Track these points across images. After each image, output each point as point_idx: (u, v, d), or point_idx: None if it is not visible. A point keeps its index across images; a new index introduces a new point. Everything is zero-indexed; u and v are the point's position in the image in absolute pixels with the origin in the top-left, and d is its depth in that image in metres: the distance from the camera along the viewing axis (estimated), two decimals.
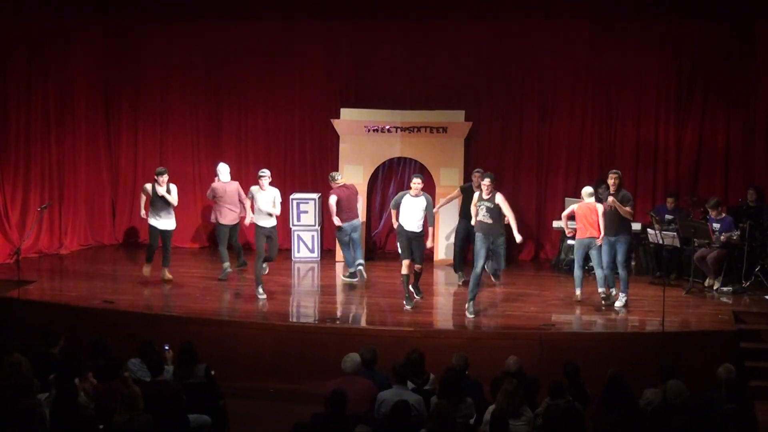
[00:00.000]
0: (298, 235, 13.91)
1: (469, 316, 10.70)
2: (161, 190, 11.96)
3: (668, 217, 12.64)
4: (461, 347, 9.09)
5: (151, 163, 14.89)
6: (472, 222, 11.06)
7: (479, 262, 10.69)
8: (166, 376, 7.77)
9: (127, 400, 6.77)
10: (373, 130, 13.87)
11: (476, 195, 10.89)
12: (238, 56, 14.57)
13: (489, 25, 13.98)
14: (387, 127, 13.84)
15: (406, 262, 10.87)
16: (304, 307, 11.51)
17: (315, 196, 13.97)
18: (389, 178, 14.43)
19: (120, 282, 12.46)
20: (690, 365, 9.06)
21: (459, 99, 13.99)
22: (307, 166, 14.62)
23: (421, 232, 10.92)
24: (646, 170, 13.78)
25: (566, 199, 13.56)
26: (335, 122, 14.00)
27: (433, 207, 11.17)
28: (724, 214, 12.06)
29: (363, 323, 10.96)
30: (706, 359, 9.28)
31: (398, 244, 11.09)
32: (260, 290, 11.35)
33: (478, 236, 10.74)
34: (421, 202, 10.89)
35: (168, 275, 12.14)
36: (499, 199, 10.70)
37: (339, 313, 11.02)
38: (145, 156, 15.02)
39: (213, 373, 8.23)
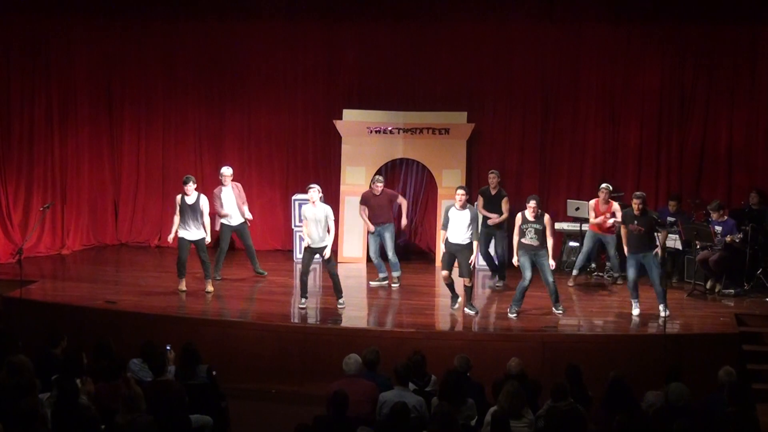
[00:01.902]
0: (300, 237, 13.85)
1: (511, 315, 10.88)
2: (190, 200, 11.62)
3: (670, 219, 12.63)
4: (463, 349, 9.10)
5: (154, 164, 14.95)
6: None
7: (526, 274, 10.80)
8: (168, 376, 7.77)
9: (128, 401, 6.76)
10: (376, 132, 13.86)
11: (520, 217, 10.87)
12: (241, 57, 14.57)
13: (492, 27, 13.95)
14: (389, 128, 13.83)
15: (444, 273, 10.91)
16: (306, 308, 11.49)
17: None
18: (392, 180, 14.39)
19: (122, 282, 12.47)
20: (692, 368, 9.01)
21: (462, 100, 13.98)
22: (309, 167, 14.60)
23: (466, 243, 10.77)
24: (649, 172, 13.74)
25: (568, 201, 13.56)
26: (338, 123, 14.00)
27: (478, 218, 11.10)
28: (726, 217, 12.05)
29: (365, 324, 10.94)
30: (707, 362, 9.27)
31: (442, 256, 11.15)
32: (302, 301, 11.19)
33: (522, 252, 10.84)
34: (467, 214, 10.73)
35: (210, 287, 11.77)
36: (547, 220, 10.81)
37: (341, 314, 11.00)
38: (147, 157, 15.01)
39: (215, 373, 8.22)
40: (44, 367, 7.82)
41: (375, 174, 12.83)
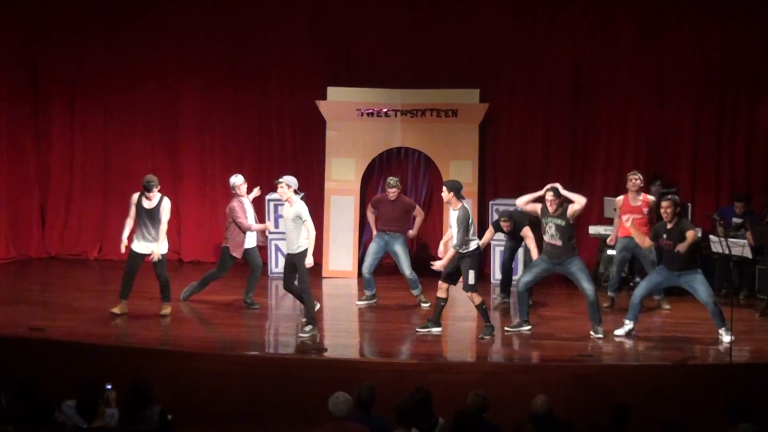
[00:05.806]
0: (276, 246, 13.83)
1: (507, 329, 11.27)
2: (148, 204, 11.37)
3: (736, 221, 12.58)
4: (478, 384, 9.01)
5: (92, 158, 15.00)
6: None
7: (524, 277, 11.10)
8: (108, 422, 7.70)
9: None
10: (368, 114, 13.89)
11: (539, 208, 10.93)
12: (200, 23, 14.58)
13: None
14: (384, 110, 13.86)
15: (441, 285, 11.02)
16: (284, 334, 11.50)
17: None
18: (387, 174, 14.33)
19: (51, 305, 12.42)
20: (765, 404, 8.97)
21: (473, 76, 14.01)
22: (287, 159, 14.61)
23: (466, 252, 10.80)
24: (708, 164, 13.82)
25: (605, 198, 13.51)
26: (321, 104, 14.00)
27: (470, 220, 11.03)
28: None
29: (356, 354, 10.94)
30: None
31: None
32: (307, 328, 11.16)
33: (543, 257, 11.05)
34: (453, 215, 10.81)
35: (166, 310, 11.71)
36: (572, 210, 10.77)
37: (326, 342, 10.96)
38: (84, 151, 15.05)
39: (170, 417, 8.16)
40: None
41: (388, 178, 12.69)
